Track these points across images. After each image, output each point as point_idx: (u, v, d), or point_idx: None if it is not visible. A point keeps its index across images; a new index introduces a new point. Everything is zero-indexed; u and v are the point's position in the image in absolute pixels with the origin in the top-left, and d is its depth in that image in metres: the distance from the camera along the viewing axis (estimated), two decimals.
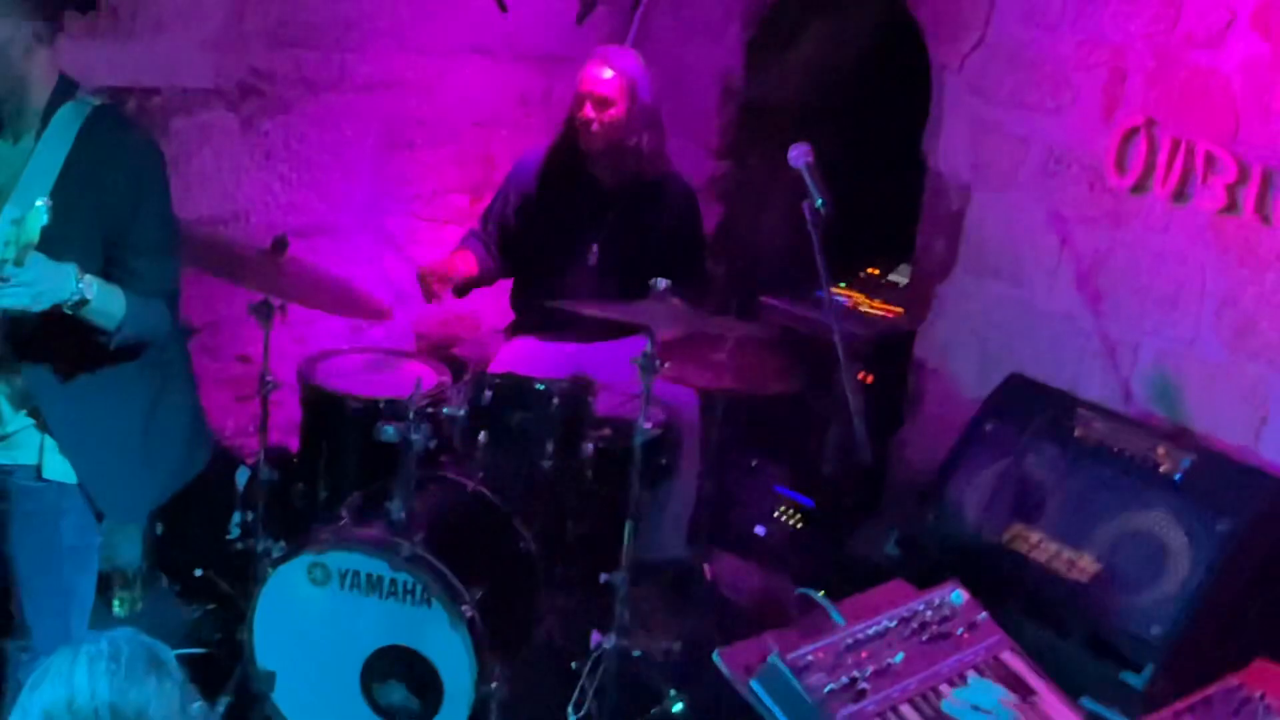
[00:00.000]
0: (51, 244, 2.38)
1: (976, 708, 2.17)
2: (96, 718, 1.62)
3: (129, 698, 1.64)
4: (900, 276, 4.78)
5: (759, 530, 4.58)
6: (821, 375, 4.06)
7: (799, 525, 4.54)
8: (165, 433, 2.88)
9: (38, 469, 2.70)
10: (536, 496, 3.60)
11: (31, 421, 2.68)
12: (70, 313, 2.46)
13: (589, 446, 3.53)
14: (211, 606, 3.90)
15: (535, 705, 3.46)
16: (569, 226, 3.99)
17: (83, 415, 2.70)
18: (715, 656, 2.26)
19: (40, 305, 2.41)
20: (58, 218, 2.43)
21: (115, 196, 2.63)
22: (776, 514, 4.59)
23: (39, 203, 2.28)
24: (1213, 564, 3.08)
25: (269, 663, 3.29)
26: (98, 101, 2.65)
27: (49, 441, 2.68)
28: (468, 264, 4.02)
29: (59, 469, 2.70)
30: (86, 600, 2.88)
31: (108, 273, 2.57)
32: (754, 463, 4.66)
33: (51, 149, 2.59)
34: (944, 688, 2.31)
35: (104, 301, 2.51)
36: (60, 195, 2.51)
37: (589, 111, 3.85)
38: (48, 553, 2.76)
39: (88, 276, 2.45)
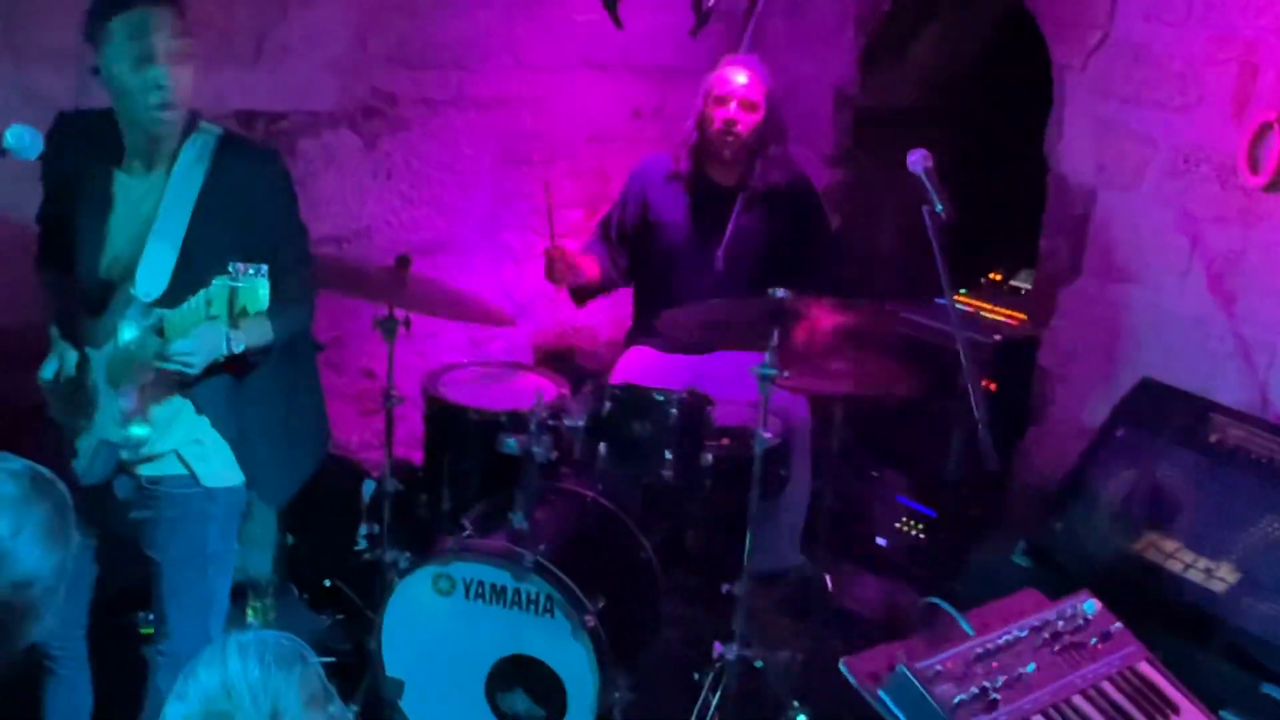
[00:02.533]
0: (197, 272, 2.48)
1: None
2: (252, 697, 1.66)
3: (277, 682, 1.68)
4: (1023, 282, 4.71)
5: (881, 541, 4.54)
6: (943, 383, 4.02)
7: (921, 536, 4.48)
8: (302, 417, 3.02)
9: (191, 476, 2.77)
10: (656, 507, 3.62)
11: (187, 440, 2.75)
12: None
13: (708, 456, 3.51)
14: (340, 616, 3.97)
15: (658, 716, 3.46)
16: (694, 231, 4.01)
17: (239, 414, 2.81)
18: (841, 665, 2.25)
19: (197, 369, 2.57)
20: (200, 246, 2.60)
21: (252, 219, 2.71)
22: (898, 524, 4.55)
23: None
24: None
25: (397, 671, 3.35)
26: (220, 131, 2.74)
27: (199, 450, 2.77)
28: (590, 267, 4.06)
29: (210, 475, 2.79)
30: (224, 605, 2.97)
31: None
32: (875, 472, 4.62)
33: (185, 180, 2.67)
34: (1077, 699, 2.28)
35: (254, 339, 2.64)
36: (199, 225, 2.64)
37: (735, 111, 3.87)
38: (194, 556, 2.84)
39: (237, 332, 2.54)
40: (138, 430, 2.68)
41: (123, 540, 2.85)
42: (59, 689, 2.90)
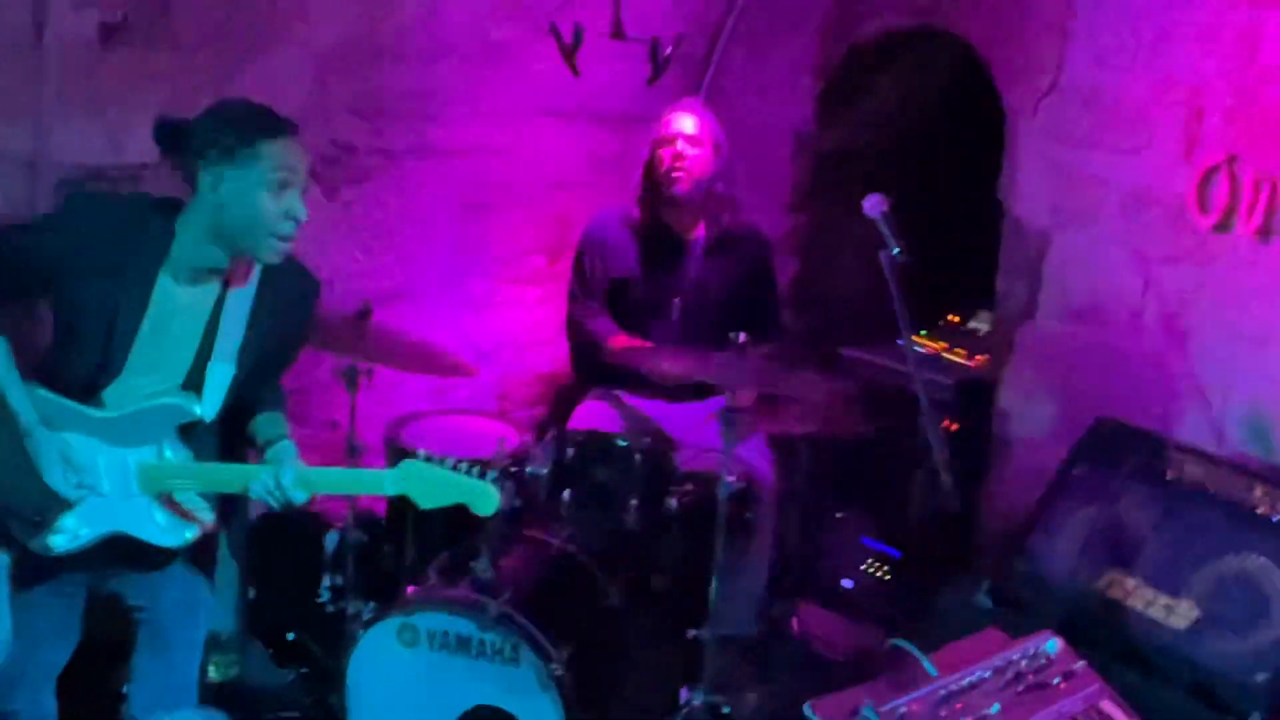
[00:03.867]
0: (241, 390, 2.70)
1: None
2: None
3: None
4: (980, 323, 4.74)
5: (846, 583, 4.55)
6: (905, 424, 4.04)
7: (887, 577, 4.49)
8: None
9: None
10: (621, 553, 3.60)
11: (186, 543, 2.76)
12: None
13: (672, 502, 3.52)
14: (304, 670, 3.92)
15: None
16: (651, 282, 4.02)
17: None
18: (806, 709, 2.25)
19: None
20: (244, 365, 2.70)
21: (290, 333, 2.84)
22: (863, 566, 4.55)
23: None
24: None
25: None
26: None
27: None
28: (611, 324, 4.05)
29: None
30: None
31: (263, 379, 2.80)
32: (839, 514, 4.63)
33: (239, 297, 2.70)
34: None
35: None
36: (249, 343, 2.70)
37: (681, 148, 3.89)
38: (191, 605, 2.89)
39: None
40: (190, 533, 2.73)
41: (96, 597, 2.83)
42: None
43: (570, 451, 3.51)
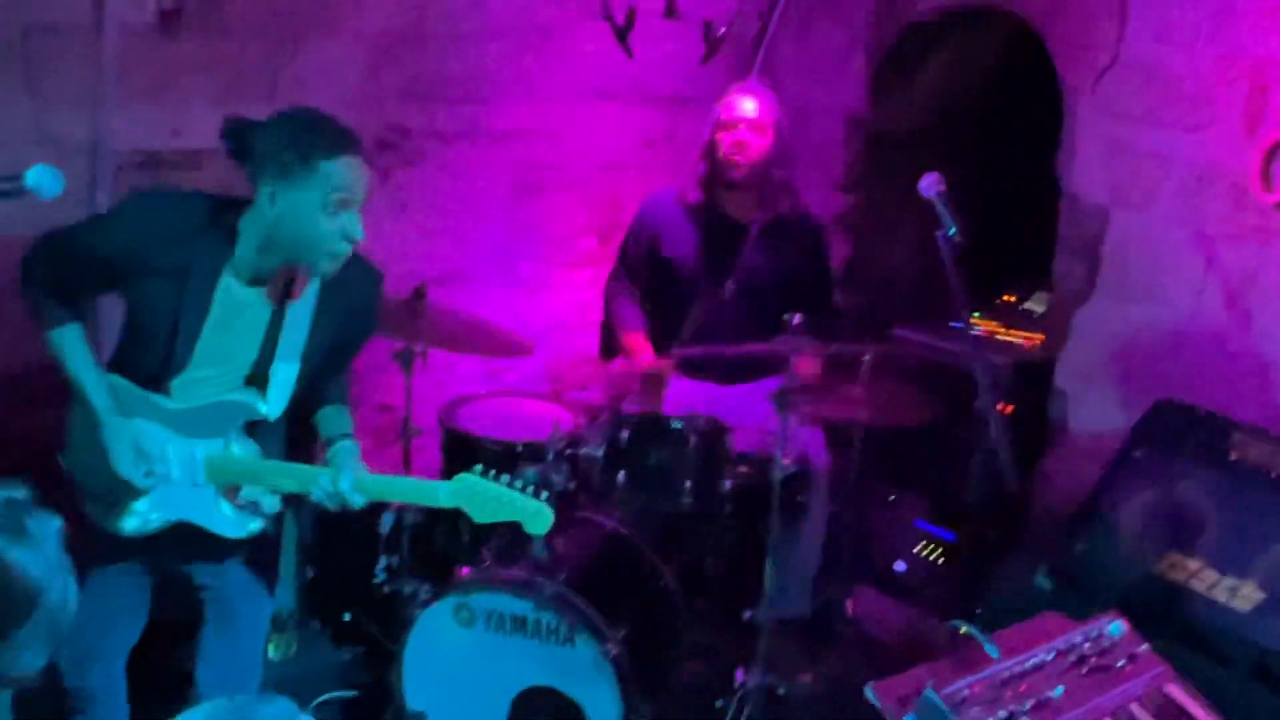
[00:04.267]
0: (304, 386, 2.71)
1: None
2: None
3: None
4: (1036, 304, 4.70)
5: (899, 566, 4.52)
6: (958, 406, 4.01)
7: (940, 560, 4.46)
8: None
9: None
10: (675, 535, 3.60)
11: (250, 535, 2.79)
12: None
13: (727, 484, 3.51)
14: (361, 649, 3.94)
15: None
16: (705, 263, 3.99)
17: None
18: (868, 690, 2.23)
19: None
20: (310, 363, 2.71)
21: (355, 328, 2.82)
22: (917, 549, 4.53)
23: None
24: None
25: (418, 703, 3.32)
26: None
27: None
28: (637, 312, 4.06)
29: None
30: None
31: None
32: (892, 497, 4.60)
33: (303, 305, 2.68)
34: None
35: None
36: (313, 342, 2.70)
37: (744, 134, 3.85)
38: (256, 615, 2.94)
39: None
40: (255, 525, 2.76)
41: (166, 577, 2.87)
42: None
43: (625, 433, 3.50)
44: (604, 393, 4.00)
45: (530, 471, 3.31)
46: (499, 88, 4.39)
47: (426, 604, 3.32)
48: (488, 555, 3.51)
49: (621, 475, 3.50)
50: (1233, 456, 3.30)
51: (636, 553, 3.51)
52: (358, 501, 2.66)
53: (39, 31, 3.58)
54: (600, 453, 3.51)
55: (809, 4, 4.75)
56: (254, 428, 2.72)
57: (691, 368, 3.97)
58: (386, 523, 4.07)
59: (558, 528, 3.42)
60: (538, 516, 2.66)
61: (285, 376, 2.68)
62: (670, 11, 3.82)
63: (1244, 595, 3.09)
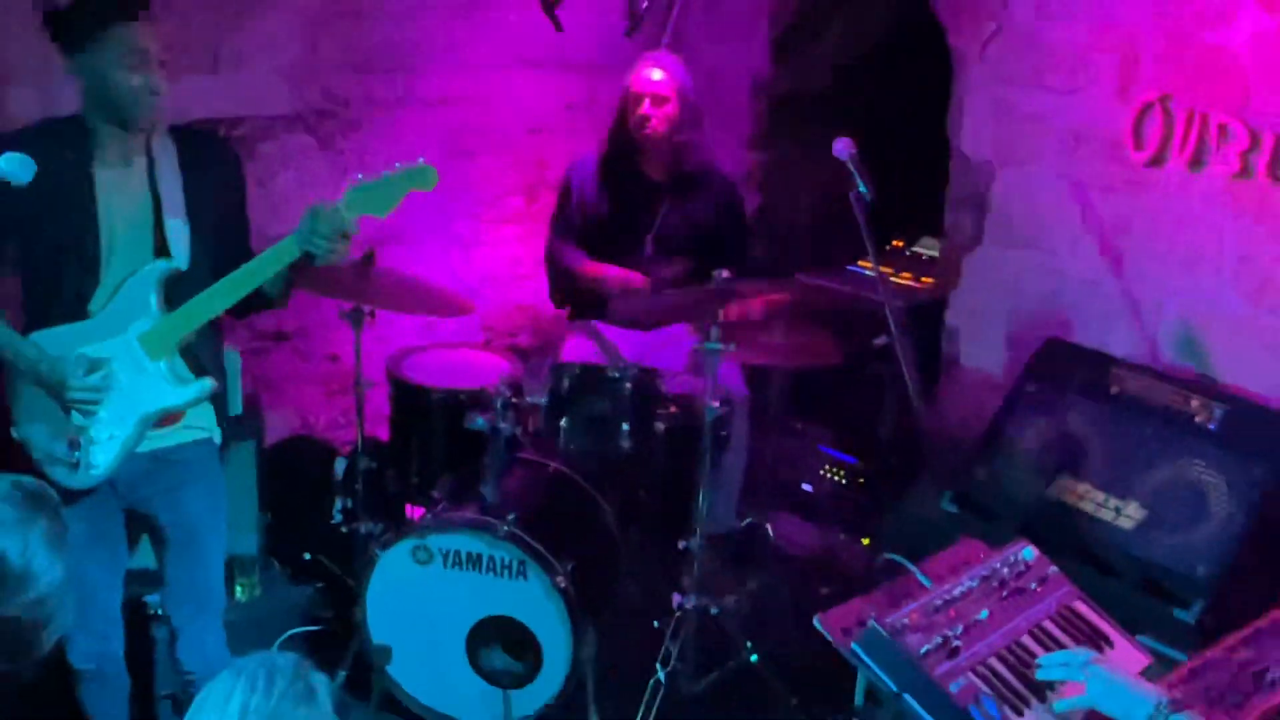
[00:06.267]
0: (203, 238, 2.67)
1: (1065, 665, 2.14)
2: None
3: (284, 718, 1.61)
4: (925, 249, 4.72)
5: (806, 487, 4.55)
6: (859, 342, 4.04)
7: (843, 481, 4.50)
8: None
9: (206, 435, 2.80)
10: (614, 473, 3.57)
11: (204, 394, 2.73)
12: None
13: (659, 426, 3.49)
14: (320, 585, 3.89)
15: (625, 664, 3.42)
16: (625, 221, 3.92)
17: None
18: (816, 621, 2.23)
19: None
20: (197, 217, 2.69)
21: (225, 192, 2.80)
22: (822, 472, 4.56)
23: None
24: (1252, 506, 3.03)
25: (383, 638, 3.28)
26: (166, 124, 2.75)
27: (204, 405, 2.76)
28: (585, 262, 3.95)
29: (211, 428, 2.82)
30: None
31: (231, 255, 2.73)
32: (799, 426, 4.62)
33: (168, 164, 2.68)
34: (1026, 639, 2.29)
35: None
36: (191, 199, 2.68)
37: (647, 108, 3.78)
38: (214, 510, 2.85)
39: None
40: (207, 384, 2.70)
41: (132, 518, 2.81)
42: (103, 688, 2.77)
43: (566, 383, 3.47)
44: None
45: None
46: (431, 57, 4.29)
47: (386, 545, 3.26)
48: (440, 496, 3.47)
49: (563, 421, 3.47)
50: (1113, 389, 3.35)
51: (579, 491, 3.49)
52: (346, 218, 2.62)
53: None
54: (544, 400, 3.47)
55: None
56: (175, 294, 2.66)
57: (619, 318, 3.93)
58: (339, 468, 4.01)
59: (507, 469, 3.42)
60: (423, 174, 2.69)
61: (179, 232, 2.66)
62: None
63: (1128, 514, 3.16)
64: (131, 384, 2.64)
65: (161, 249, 2.66)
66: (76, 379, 2.58)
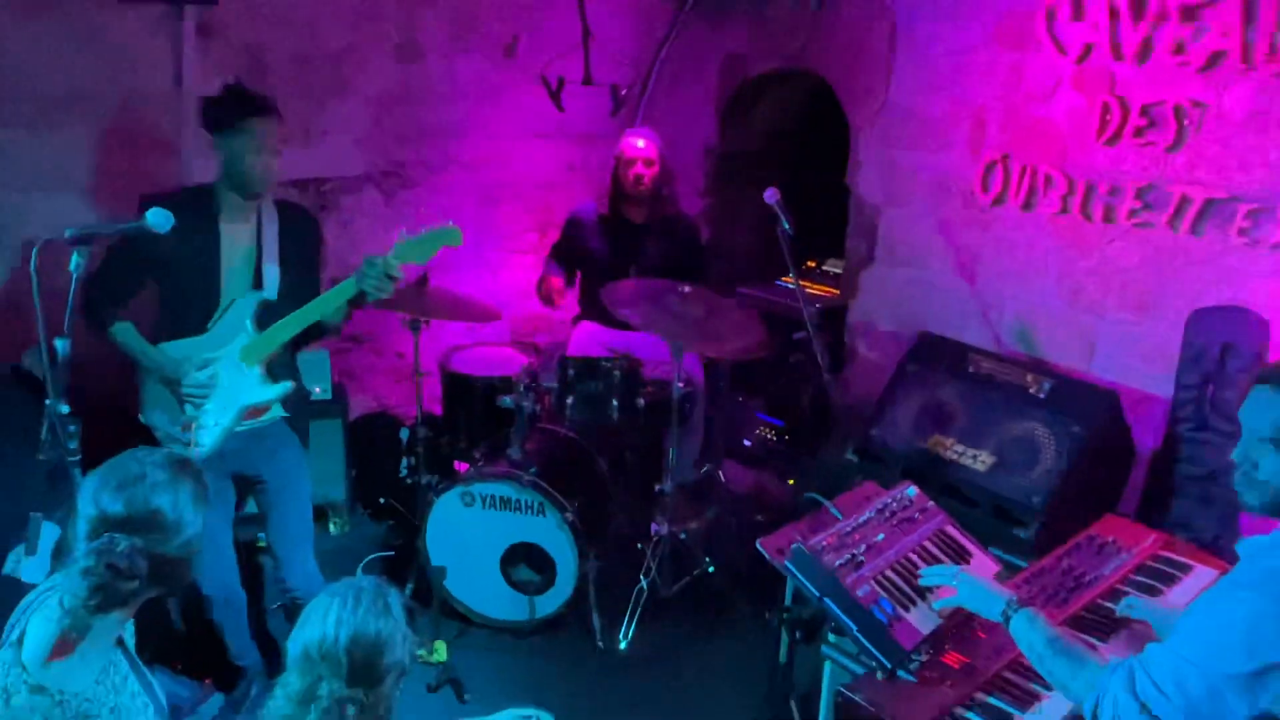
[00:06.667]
0: (289, 279, 2.66)
1: (941, 575, 2.14)
2: (339, 650, 1.59)
3: (368, 628, 1.62)
4: (832, 267, 4.71)
5: (746, 442, 4.55)
6: (784, 336, 4.04)
7: (774, 439, 4.51)
8: None
9: (283, 416, 2.78)
10: (607, 438, 3.56)
11: (285, 393, 2.71)
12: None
13: (641, 401, 3.48)
14: (392, 522, 3.87)
15: (617, 576, 3.43)
16: (618, 255, 3.87)
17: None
18: (758, 544, 2.22)
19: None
20: (287, 263, 2.67)
21: (308, 250, 2.80)
22: (757, 431, 4.56)
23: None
24: (1071, 453, 3.05)
25: (440, 560, 3.27)
26: (272, 196, 2.76)
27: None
28: (560, 283, 3.90)
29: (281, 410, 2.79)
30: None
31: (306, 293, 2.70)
32: (740, 398, 4.62)
33: (270, 223, 2.70)
34: (911, 554, 2.29)
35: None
36: (285, 250, 2.69)
37: (640, 169, 3.73)
38: (299, 465, 2.81)
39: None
40: (288, 386, 2.68)
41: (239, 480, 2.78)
42: (228, 607, 2.74)
43: (571, 371, 3.44)
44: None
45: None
46: (466, 131, 4.24)
47: (440, 492, 3.24)
48: (479, 455, 3.45)
49: (569, 399, 3.44)
50: (970, 369, 3.35)
51: (581, 451, 3.48)
52: (388, 265, 2.59)
53: (139, 100, 3.34)
54: (554, 385, 3.45)
55: (675, 69, 4.64)
56: (265, 317, 2.65)
57: (608, 319, 3.90)
58: (405, 435, 3.98)
59: (528, 435, 3.40)
60: (452, 234, 2.68)
61: (271, 273, 2.66)
62: (587, 79, 3.67)
63: (982, 460, 3.16)
64: (231, 384, 2.62)
65: (257, 284, 2.66)
66: (190, 378, 2.57)
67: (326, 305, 2.61)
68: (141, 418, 2.68)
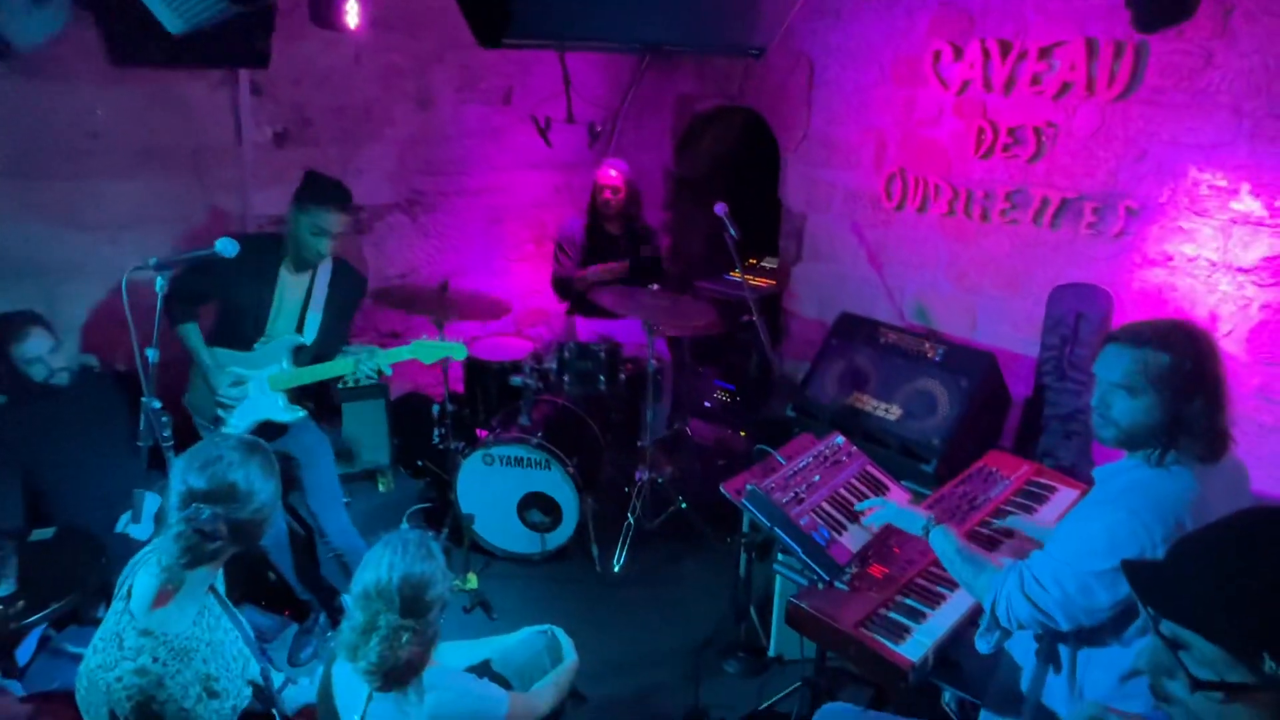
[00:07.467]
0: (328, 328, 2.57)
1: (873, 502, 2.15)
2: (393, 589, 1.56)
3: (415, 570, 1.59)
4: (768, 263, 4.70)
5: (707, 404, 4.55)
6: (731, 320, 4.01)
7: (728, 400, 4.50)
8: None
9: (306, 414, 2.69)
10: (597, 406, 3.54)
11: (300, 417, 2.65)
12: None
13: (622, 376, 3.45)
14: (429, 480, 3.83)
15: (610, 515, 3.43)
16: (596, 258, 3.83)
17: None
18: (721, 488, 2.22)
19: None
20: (329, 315, 2.59)
21: (349, 304, 2.71)
22: (715, 394, 4.56)
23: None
24: (962, 403, 3.06)
25: (468, 508, 3.24)
26: (331, 256, 2.65)
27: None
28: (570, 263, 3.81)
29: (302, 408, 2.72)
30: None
31: (335, 338, 2.64)
32: (701, 369, 4.60)
33: (322, 280, 2.61)
34: (842, 490, 2.29)
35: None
36: (330, 303, 2.61)
37: (608, 195, 3.71)
38: (323, 442, 2.74)
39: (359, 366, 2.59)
40: (301, 413, 2.61)
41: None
42: (280, 554, 2.70)
43: (566, 354, 3.40)
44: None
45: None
46: (473, 164, 4.15)
47: (466, 455, 3.21)
48: (495, 424, 3.41)
49: (566, 377, 3.41)
50: (882, 341, 3.35)
51: (578, 417, 3.45)
52: (381, 363, 2.56)
53: (206, 149, 3.24)
54: (554, 366, 3.41)
55: (639, 108, 4.57)
56: (298, 356, 2.59)
57: (594, 311, 3.86)
58: (435, 410, 3.92)
59: (534, 406, 3.37)
60: (457, 349, 2.68)
61: (314, 320, 2.59)
62: (569, 118, 3.60)
63: (892, 412, 3.17)
64: (256, 400, 2.56)
65: (299, 327, 2.58)
66: (224, 387, 2.52)
67: (332, 369, 2.59)
68: (185, 401, 2.63)
